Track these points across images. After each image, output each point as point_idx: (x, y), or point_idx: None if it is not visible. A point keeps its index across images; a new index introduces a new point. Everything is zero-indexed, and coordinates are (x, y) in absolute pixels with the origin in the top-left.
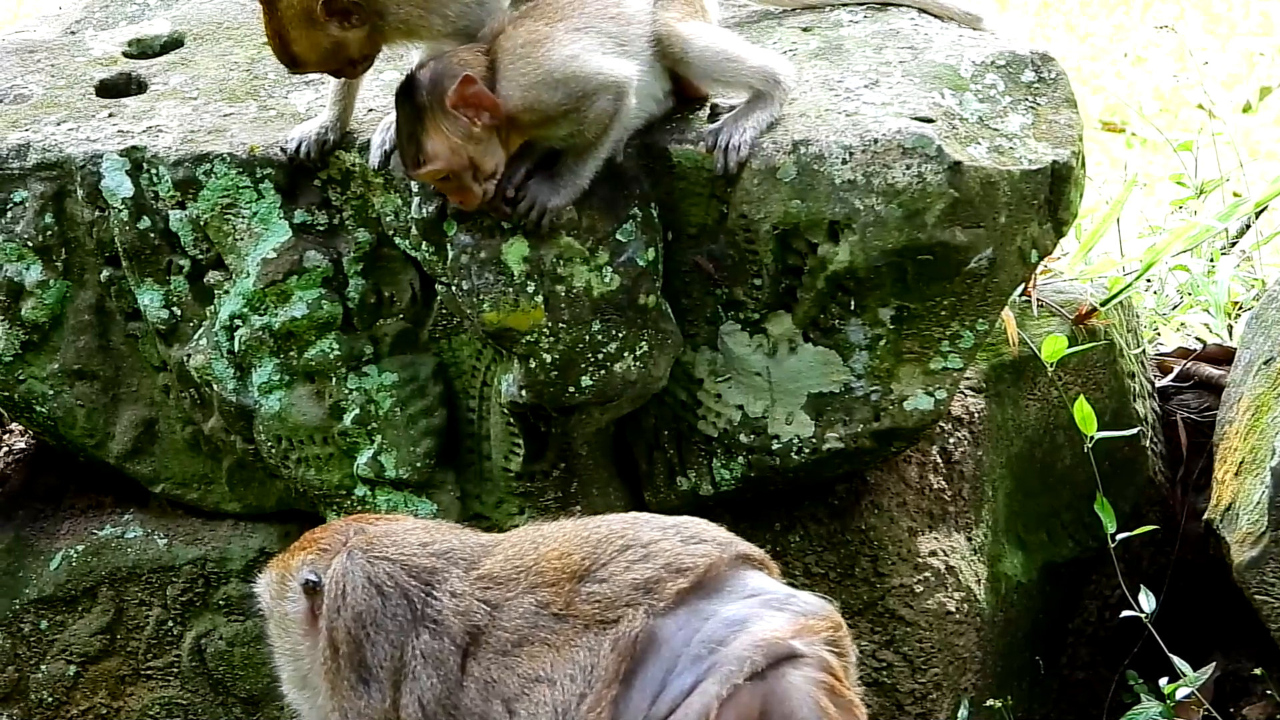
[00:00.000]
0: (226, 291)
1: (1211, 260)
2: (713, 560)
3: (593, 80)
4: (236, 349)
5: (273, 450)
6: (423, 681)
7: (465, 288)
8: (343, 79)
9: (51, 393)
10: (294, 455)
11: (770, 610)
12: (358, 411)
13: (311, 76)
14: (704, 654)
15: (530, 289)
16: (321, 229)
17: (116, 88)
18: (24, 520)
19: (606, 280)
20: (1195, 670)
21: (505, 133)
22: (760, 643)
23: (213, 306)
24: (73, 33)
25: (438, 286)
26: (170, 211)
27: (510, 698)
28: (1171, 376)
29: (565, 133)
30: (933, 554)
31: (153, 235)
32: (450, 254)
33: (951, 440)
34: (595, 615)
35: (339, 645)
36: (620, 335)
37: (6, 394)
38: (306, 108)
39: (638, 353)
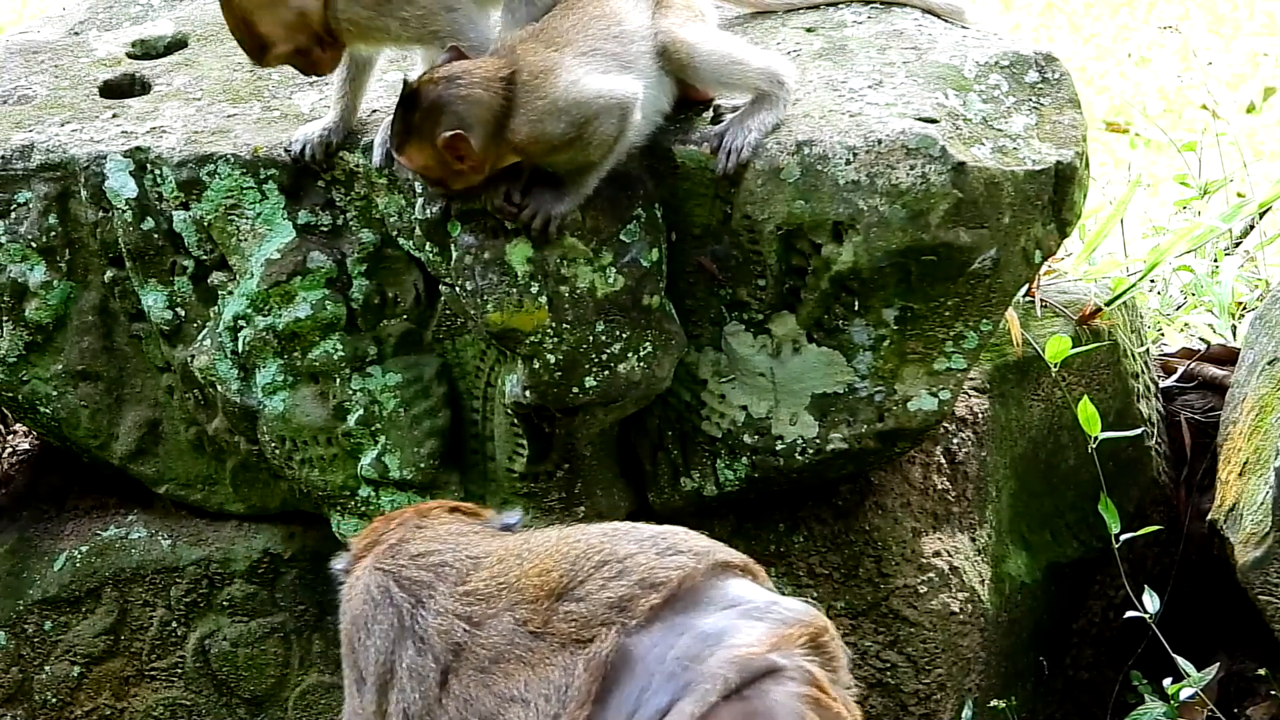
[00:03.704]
0: (230, 292)
1: (1215, 261)
2: (687, 572)
3: (594, 104)
4: (240, 350)
5: (276, 451)
6: (408, 694)
7: (469, 288)
8: (320, 73)
9: (55, 394)
10: (298, 456)
11: (749, 621)
12: (361, 412)
13: (316, 77)
14: (678, 671)
15: (534, 290)
16: (325, 230)
17: (120, 88)
18: (28, 521)
19: (610, 281)
20: (1199, 671)
21: (494, 162)
22: (735, 659)
23: (216, 307)
24: (76, 34)
25: (441, 287)
26: (174, 212)
27: (486, 716)
28: (1175, 377)
29: (568, 158)
30: (937, 554)
31: (156, 236)
32: (454, 255)
33: (955, 441)
34: (571, 634)
35: (342, 644)
36: (624, 336)
37: (10, 395)
38: (310, 108)
39: (641, 353)
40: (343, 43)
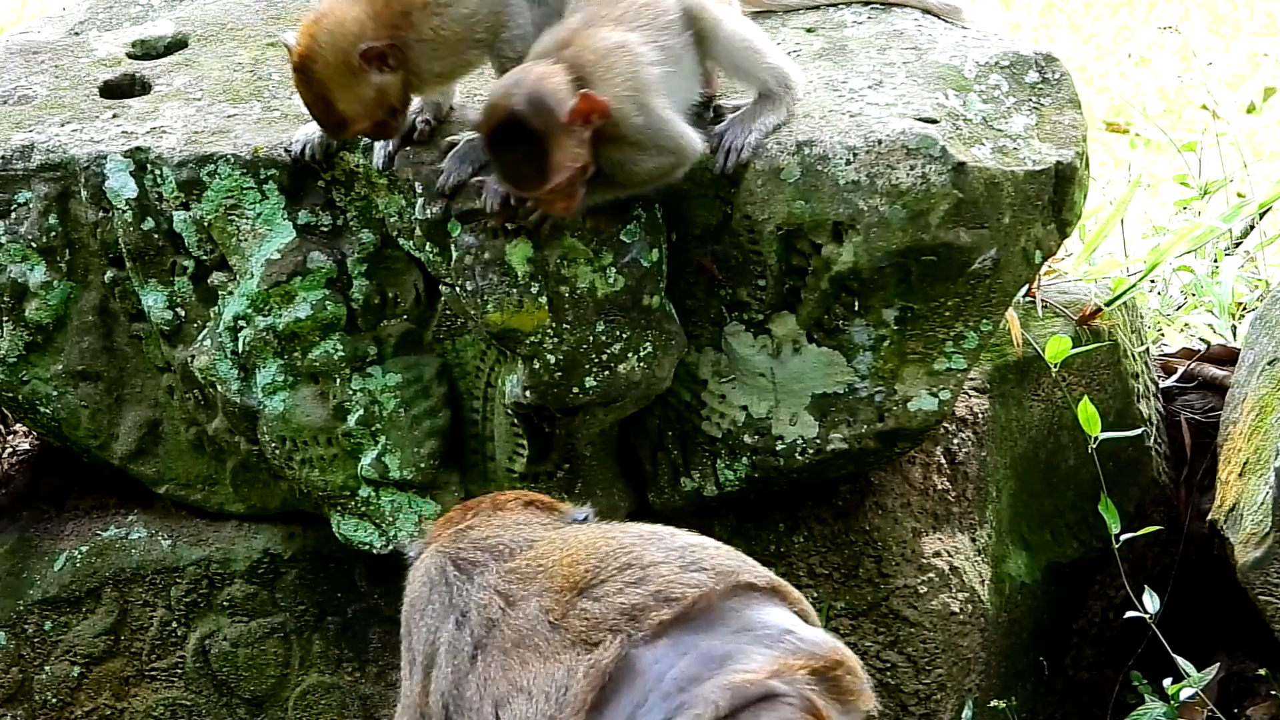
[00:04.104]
0: (230, 292)
1: (1215, 261)
2: (703, 592)
3: (673, 140)
4: (240, 350)
5: (277, 451)
6: (443, 669)
7: (469, 289)
8: (390, 137)
9: (55, 394)
10: (298, 456)
11: (758, 647)
12: (362, 412)
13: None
14: (673, 691)
15: (534, 290)
16: (325, 230)
17: (120, 89)
18: (28, 521)
19: (610, 281)
20: (1200, 671)
21: None
22: (730, 685)
23: (217, 307)
24: (76, 34)
25: (442, 287)
26: (174, 212)
27: (499, 700)
28: (1175, 377)
29: (620, 160)
30: (937, 555)
31: (157, 236)
32: (454, 255)
33: (955, 441)
34: (581, 634)
35: (401, 629)
36: (624, 336)
37: (11, 395)
38: None
39: (642, 353)
40: (409, 104)
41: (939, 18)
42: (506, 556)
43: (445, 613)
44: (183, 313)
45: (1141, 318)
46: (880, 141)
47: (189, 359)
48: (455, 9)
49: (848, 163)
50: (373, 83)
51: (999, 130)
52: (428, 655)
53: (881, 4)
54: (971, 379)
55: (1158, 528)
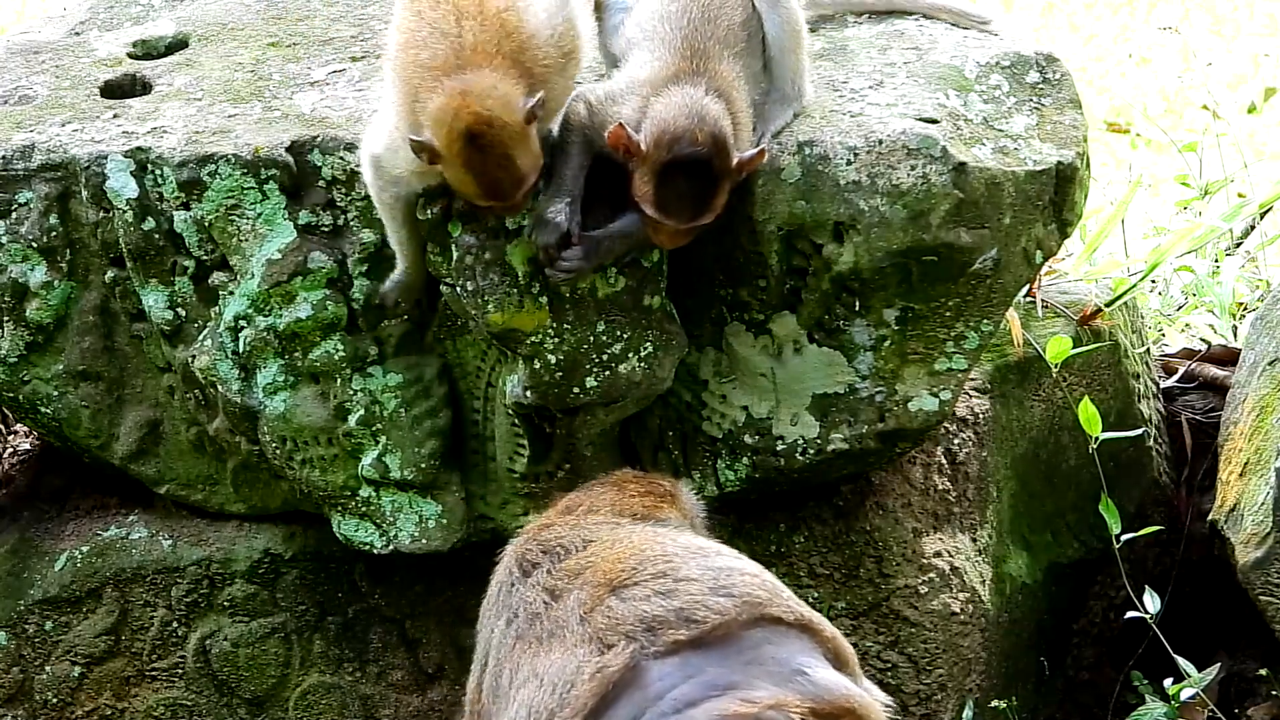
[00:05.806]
0: (231, 292)
1: (1216, 261)
2: (725, 619)
3: None
4: (241, 350)
5: (277, 451)
6: (490, 667)
7: (470, 289)
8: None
9: (56, 394)
10: (299, 456)
11: (765, 682)
12: (362, 412)
13: (316, 77)
14: (669, 712)
15: (535, 290)
16: (326, 230)
17: (121, 89)
18: (29, 521)
19: (611, 281)
20: (1200, 671)
21: None
22: (721, 712)
23: (217, 307)
24: (77, 34)
25: (442, 287)
26: (175, 212)
27: (519, 686)
28: (1176, 377)
29: None
30: (937, 555)
31: (157, 236)
32: (455, 255)
33: (956, 441)
34: (600, 632)
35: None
36: (625, 336)
37: (11, 395)
38: (311, 109)
39: (642, 353)
40: None
41: (974, 27)
42: (562, 556)
43: (500, 612)
44: (183, 313)
45: (1142, 318)
46: (881, 141)
47: (190, 359)
48: (550, 42)
49: (848, 163)
50: (533, 136)
51: (1000, 130)
52: (484, 653)
53: (903, 11)
54: (972, 379)
55: (1158, 528)
